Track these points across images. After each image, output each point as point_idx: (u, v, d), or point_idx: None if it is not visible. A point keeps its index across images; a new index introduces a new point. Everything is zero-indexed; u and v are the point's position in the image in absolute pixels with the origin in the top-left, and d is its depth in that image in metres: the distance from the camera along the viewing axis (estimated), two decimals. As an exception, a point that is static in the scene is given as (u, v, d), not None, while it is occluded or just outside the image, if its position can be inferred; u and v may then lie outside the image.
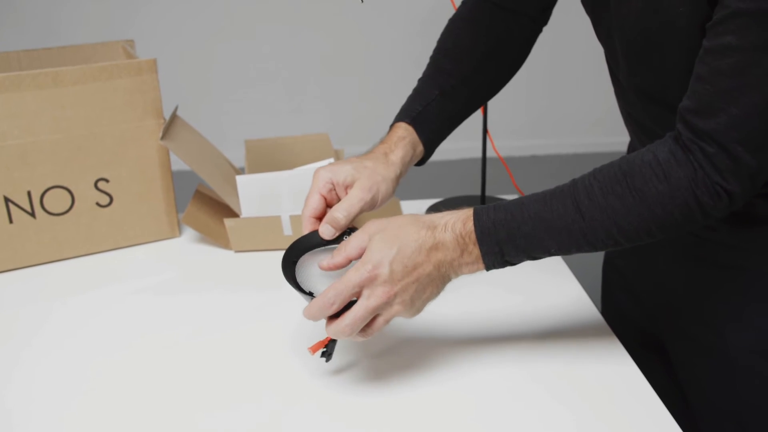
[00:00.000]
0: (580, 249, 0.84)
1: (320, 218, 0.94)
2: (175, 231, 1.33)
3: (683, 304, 1.03)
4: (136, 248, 1.30)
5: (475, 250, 0.84)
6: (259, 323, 1.06)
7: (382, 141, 1.03)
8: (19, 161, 1.18)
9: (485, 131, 1.35)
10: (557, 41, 3.75)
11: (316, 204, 0.93)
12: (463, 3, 1.12)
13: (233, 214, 1.27)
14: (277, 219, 1.19)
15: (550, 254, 0.85)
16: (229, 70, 3.82)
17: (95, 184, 1.25)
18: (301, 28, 3.76)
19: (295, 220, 1.19)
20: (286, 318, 1.06)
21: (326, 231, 0.91)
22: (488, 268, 0.85)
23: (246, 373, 0.95)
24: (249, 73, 3.82)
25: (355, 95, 3.87)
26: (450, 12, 1.14)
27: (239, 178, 1.20)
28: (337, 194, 0.95)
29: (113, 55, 1.41)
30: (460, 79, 1.07)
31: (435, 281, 0.84)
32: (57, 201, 1.23)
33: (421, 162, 1.07)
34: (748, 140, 0.75)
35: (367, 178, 0.95)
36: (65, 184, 1.23)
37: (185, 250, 1.29)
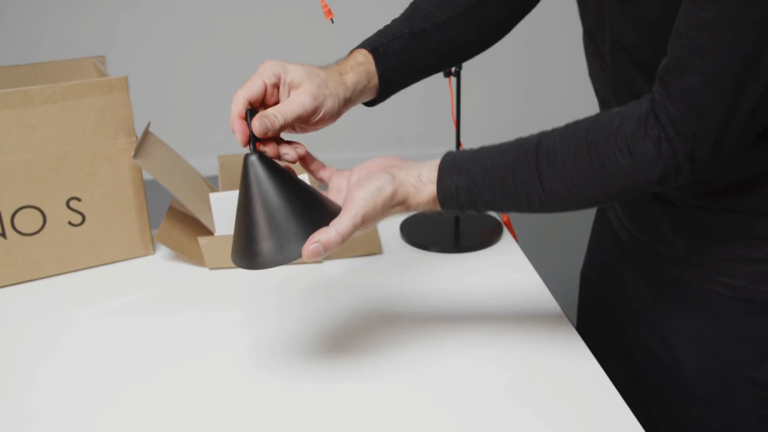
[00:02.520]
0: (533, 211, 0.84)
1: (253, 105, 0.87)
2: (149, 249, 1.32)
3: (643, 318, 1.04)
4: (109, 267, 1.29)
5: (435, 207, 0.87)
6: (234, 342, 1.05)
7: (337, 62, 0.98)
8: (-11, 181, 1.17)
9: (458, 144, 1.36)
10: (537, 43, 3.78)
11: (256, 88, 0.87)
12: None
13: (208, 231, 1.26)
14: (251, 237, 1.19)
15: (502, 212, 0.86)
16: (203, 83, 3.80)
17: (67, 204, 1.23)
18: (279, 38, 3.75)
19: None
20: (262, 336, 1.05)
21: (259, 125, 0.84)
22: (445, 209, 0.87)
23: (222, 393, 0.94)
24: (225, 86, 3.81)
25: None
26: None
27: (212, 196, 1.19)
28: (278, 93, 0.89)
29: (84, 72, 1.40)
30: (433, 25, 1.02)
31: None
32: (28, 221, 1.22)
33: (373, 102, 1.02)
34: (721, 100, 0.73)
35: (316, 87, 0.89)
36: (37, 204, 1.21)
37: (159, 268, 1.28)
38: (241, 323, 1.10)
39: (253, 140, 0.84)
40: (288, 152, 0.88)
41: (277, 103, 0.89)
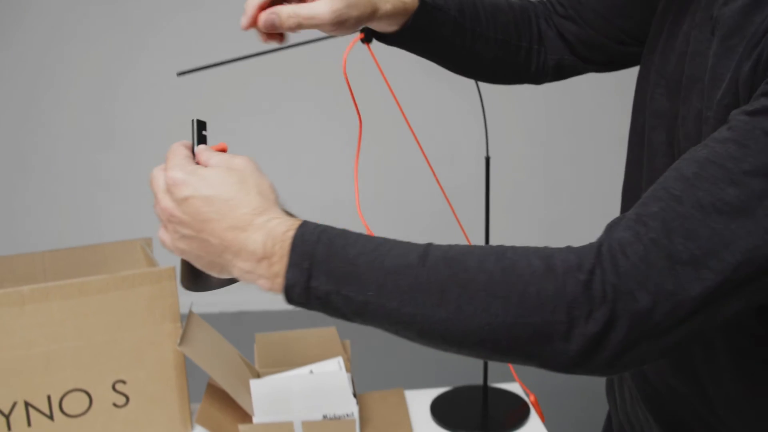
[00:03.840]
0: (400, 312, 0.67)
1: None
2: (188, 428, 1.36)
3: None
4: (150, 446, 1.33)
5: (282, 261, 0.70)
6: None
7: None
8: (42, 368, 1.24)
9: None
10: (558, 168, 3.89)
11: None
12: None
13: (245, 412, 1.32)
14: (290, 425, 1.24)
15: (364, 299, 0.68)
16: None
17: (113, 386, 1.30)
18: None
19: (308, 426, 1.23)
20: None
21: (266, 19, 0.81)
22: (287, 289, 0.70)
23: None
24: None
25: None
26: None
27: (253, 383, 1.25)
28: None
29: (131, 255, 1.49)
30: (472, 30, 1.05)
31: (210, 253, 0.74)
32: (75, 403, 1.27)
33: (389, 38, 1.00)
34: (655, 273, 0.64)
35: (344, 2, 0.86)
36: (84, 387, 1.28)
37: (197, 449, 1.33)
38: None
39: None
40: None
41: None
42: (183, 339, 1.28)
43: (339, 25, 0.88)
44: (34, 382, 1.24)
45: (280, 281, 0.70)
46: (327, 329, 1.51)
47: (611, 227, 0.68)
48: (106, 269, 1.48)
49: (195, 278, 0.83)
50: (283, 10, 0.84)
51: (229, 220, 0.72)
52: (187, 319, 1.34)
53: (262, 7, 0.84)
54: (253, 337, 1.53)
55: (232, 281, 0.80)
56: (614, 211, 0.95)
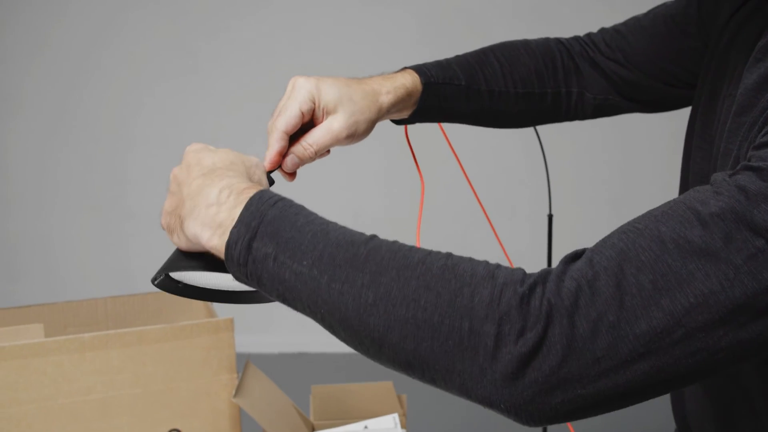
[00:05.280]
0: (328, 288, 0.63)
1: (288, 134, 0.86)
2: (241, 480, 1.36)
3: None
4: (202, 498, 1.33)
5: (233, 211, 0.68)
6: None
7: (380, 76, 0.95)
8: (99, 414, 1.25)
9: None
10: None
11: (295, 120, 0.85)
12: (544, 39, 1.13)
13: (298, 467, 1.30)
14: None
15: (297, 270, 0.64)
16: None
17: (168, 435, 1.30)
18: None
19: (360, 484, 1.21)
20: None
21: (292, 162, 0.84)
22: (228, 244, 0.66)
23: None
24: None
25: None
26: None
27: (306, 438, 1.24)
28: (313, 115, 0.87)
29: (191, 303, 1.51)
30: (489, 90, 1.04)
31: (178, 206, 0.72)
32: (130, 451, 1.28)
33: (401, 121, 1.01)
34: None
35: (350, 114, 0.87)
36: (140, 435, 1.28)
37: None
38: None
39: None
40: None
41: (309, 124, 0.88)
42: (238, 390, 1.27)
43: (352, 136, 0.89)
44: (91, 428, 1.25)
45: (222, 234, 0.67)
46: (384, 383, 1.49)
47: (568, 258, 0.62)
48: (166, 316, 1.49)
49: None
50: (300, 149, 0.86)
51: (205, 171, 0.72)
52: (244, 369, 1.34)
53: (281, 153, 0.86)
54: (312, 378, 1.52)
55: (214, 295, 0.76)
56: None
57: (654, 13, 1.08)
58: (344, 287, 0.62)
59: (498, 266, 0.62)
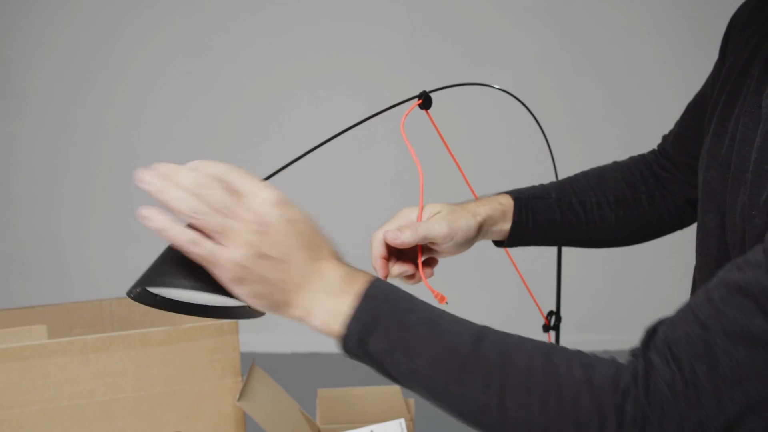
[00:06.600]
0: (445, 388, 0.69)
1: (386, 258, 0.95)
2: (245, 485, 1.34)
3: None
4: (206, 502, 1.31)
5: (346, 301, 0.70)
6: None
7: (478, 199, 1.06)
8: (102, 417, 1.23)
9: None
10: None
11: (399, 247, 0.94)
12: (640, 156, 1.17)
13: (303, 472, 1.28)
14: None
15: (413, 367, 0.68)
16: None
17: (171, 438, 1.28)
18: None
19: (366, 490, 1.20)
20: None
21: (393, 235, 0.91)
22: (345, 334, 0.69)
23: None
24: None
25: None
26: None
27: (311, 442, 1.22)
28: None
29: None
30: (580, 201, 1.09)
31: (279, 280, 0.69)
32: (133, 454, 1.26)
33: (501, 243, 1.08)
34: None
35: (451, 215, 0.98)
36: (143, 438, 1.27)
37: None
38: None
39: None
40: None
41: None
42: (243, 394, 1.26)
43: (449, 236, 0.97)
44: (93, 431, 1.23)
45: (338, 324, 0.70)
46: (390, 388, 1.47)
47: (646, 345, 0.68)
48: (170, 318, 1.48)
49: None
50: (408, 230, 0.93)
51: (305, 243, 0.71)
52: (249, 372, 1.32)
53: (385, 257, 0.94)
54: (322, 379, 1.50)
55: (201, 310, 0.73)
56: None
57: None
58: (460, 390, 0.68)
59: (592, 365, 0.67)
